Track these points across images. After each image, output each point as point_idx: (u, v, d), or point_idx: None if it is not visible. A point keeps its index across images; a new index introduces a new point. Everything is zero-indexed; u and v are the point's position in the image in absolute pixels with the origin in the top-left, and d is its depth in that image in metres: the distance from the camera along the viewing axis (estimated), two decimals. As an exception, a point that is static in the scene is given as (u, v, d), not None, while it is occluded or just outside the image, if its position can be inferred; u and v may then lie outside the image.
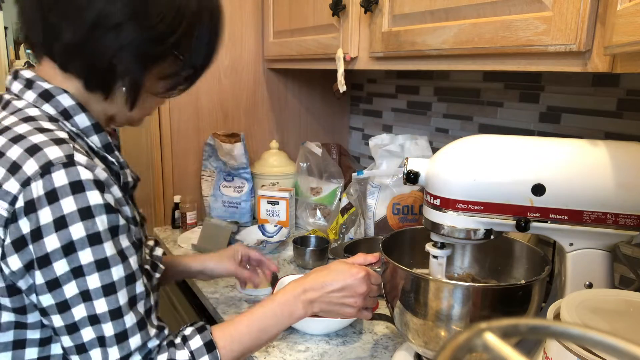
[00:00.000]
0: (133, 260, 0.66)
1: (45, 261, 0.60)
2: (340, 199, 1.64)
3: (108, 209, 0.62)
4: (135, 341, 0.66)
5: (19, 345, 0.66)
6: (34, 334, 0.67)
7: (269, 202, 1.64)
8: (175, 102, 1.67)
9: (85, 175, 0.61)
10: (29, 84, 0.67)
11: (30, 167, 0.59)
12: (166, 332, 0.72)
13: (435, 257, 0.84)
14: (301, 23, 1.45)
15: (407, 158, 0.82)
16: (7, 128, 0.63)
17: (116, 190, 0.66)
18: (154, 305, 0.73)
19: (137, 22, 0.66)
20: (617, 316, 0.59)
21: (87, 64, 0.67)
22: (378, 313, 0.97)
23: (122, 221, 0.65)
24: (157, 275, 0.80)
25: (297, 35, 1.49)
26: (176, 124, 1.69)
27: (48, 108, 0.67)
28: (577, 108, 1.13)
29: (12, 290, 0.64)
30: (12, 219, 0.60)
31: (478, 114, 1.40)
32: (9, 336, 0.66)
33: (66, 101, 0.67)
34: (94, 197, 0.61)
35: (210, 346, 0.72)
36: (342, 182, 1.71)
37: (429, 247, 0.84)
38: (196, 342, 0.72)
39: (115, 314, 0.64)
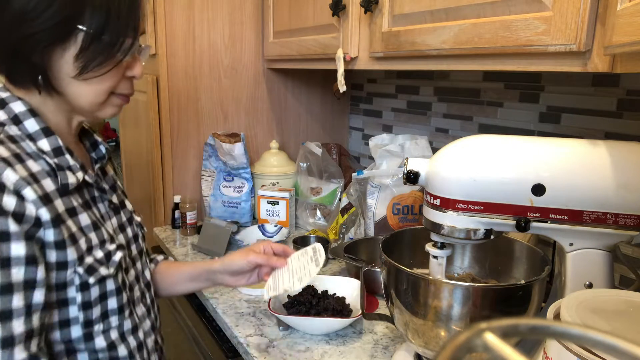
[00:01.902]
0: (17, 270, 0.63)
1: None
2: (340, 199, 1.64)
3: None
4: None
5: None
6: None
7: (269, 202, 1.64)
8: (176, 102, 1.68)
9: None
10: None
11: None
12: None
13: (435, 257, 0.84)
14: (301, 23, 1.45)
15: (407, 158, 0.82)
16: None
17: (40, 189, 0.67)
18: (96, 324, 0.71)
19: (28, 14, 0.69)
20: (617, 316, 0.59)
21: (6, 60, 0.72)
22: (378, 313, 0.97)
23: (14, 228, 0.63)
24: (105, 272, 0.74)
25: (297, 35, 1.49)
26: (176, 124, 1.69)
27: (0, 114, 0.72)
28: (577, 108, 1.13)
29: None
30: None
31: (478, 114, 1.40)
32: None
33: (18, 108, 0.72)
34: None
35: None
36: (342, 182, 1.71)
37: (429, 247, 0.84)
38: None
39: None
